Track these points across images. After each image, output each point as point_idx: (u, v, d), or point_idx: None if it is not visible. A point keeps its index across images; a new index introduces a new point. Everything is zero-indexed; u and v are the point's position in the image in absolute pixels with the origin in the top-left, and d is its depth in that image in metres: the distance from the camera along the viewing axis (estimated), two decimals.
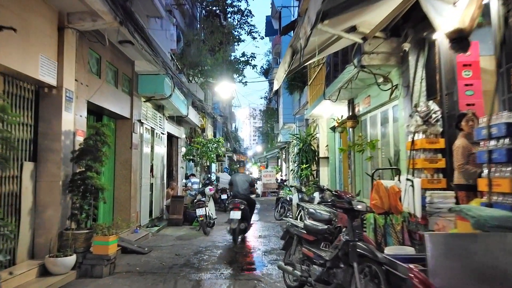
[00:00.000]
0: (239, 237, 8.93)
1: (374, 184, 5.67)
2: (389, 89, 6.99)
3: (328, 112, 11.80)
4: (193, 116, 15.06)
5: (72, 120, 6.35)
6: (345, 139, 12.72)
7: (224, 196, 16.02)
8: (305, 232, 5.02)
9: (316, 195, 11.05)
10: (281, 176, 28.51)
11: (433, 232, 4.84)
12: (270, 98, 33.75)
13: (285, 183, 17.07)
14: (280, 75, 5.73)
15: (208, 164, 23.29)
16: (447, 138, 5.62)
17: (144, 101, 10.34)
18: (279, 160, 34.16)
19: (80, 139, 6.43)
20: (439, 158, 5.59)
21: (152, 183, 11.32)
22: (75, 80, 6.46)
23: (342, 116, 9.90)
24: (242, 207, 8.77)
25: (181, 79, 11.67)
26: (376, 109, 8.47)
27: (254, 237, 9.93)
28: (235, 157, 33.12)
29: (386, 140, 7.96)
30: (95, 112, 8.26)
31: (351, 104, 9.90)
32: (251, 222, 10.40)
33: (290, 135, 19.73)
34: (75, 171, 6.23)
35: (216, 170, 28.74)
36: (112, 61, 8.21)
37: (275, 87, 6.82)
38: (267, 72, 34.30)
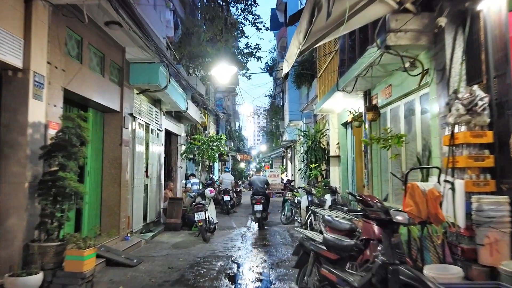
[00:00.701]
0: (262, 222, 11.48)
1: (408, 186, 4.61)
2: (420, 73, 5.92)
3: (340, 106, 10.74)
4: (194, 112, 14.04)
5: (43, 110, 5.34)
6: (359, 136, 11.65)
7: (226, 198, 15.01)
8: (325, 248, 3.97)
9: (328, 197, 10.00)
10: (287, 176, 27.46)
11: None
12: (274, 95, 32.71)
13: (291, 184, 16.00)
14: (292, 51, 4.67)
15: (210, 163, 22.32)
16: (496, 130, 4.56)
17: (138, 93, 9.33)
18: (284, 159, 33.11)
19: (53, 132, 5.41)
20: (486, 155, 4.53)
21: (147, 184, 10.31)
22: (48, 62, 5.45)
23: (359, 108, 8.83)
24: (263, 201, 11.34)
25: (179, 69, 10.65)
26: (398, 100, 7.40)
27: (259, 245, 8.89)
28: (238, 157, 32.10)
29: (411, 135, 6.89)
30: (79, 104, 7.26)
31: (368, 96, 8.84)
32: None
33: (298, 131, 18.70)
34: (46, 171, 5.21)
35: (219, 170, 27.75)
36: (98, 45, 7.20)
37: (285, 70, 5.78)
38: (271, 69, 33.27)
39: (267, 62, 28.21)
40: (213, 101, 19.77)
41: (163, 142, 12.11)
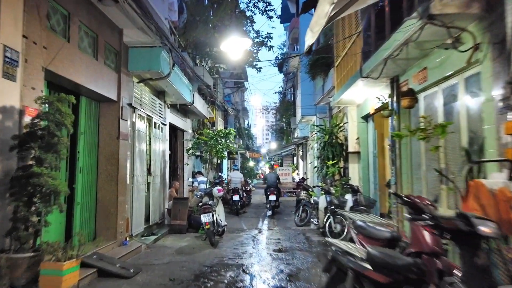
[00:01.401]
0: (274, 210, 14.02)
1: (471, 185, 3.62)
2: (469, 49, 4.92)
3: (361, 96, 9.73)
4: (200, 106, 13.13)
5: (18, 93, 4.45)
6: (381, 129, 10.64)
7: (236, 198, 14.08)
8: (370, 267, 2.98)
9: (348, 197, 9.03)
10: (298, 174, 26.45)
11: None
12: (285, 92, 31.69)
13: (305, 183, 15.01)
14: (320, 14, 3.69)
15: (218, 161, 21.40)
16: None
17: (138, 82, 8.44)
18: (295, 157, 32.10)
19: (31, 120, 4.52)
20: None
21: (149, 183, 9.42)
22: (23, 36, 4.56)
23: (389, 95, 7.81)
24: (276, 192, 14.20)
25: (184, 56, 9.73)
26: (435, 86, 6.38)
27: (272, 250, 7.94)
28: (248, 155, 31.16)
29: (453, 125, 5.88)
30: (69, 91, 6.38)
31: (396, 83, 7.83)
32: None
33: (311, 126, 17.71)
34: (20, 166, 4.31)
35: (228, 168, 26.87)
36: (89, 24, 6.30)
37: (309, 41, 4.81)
38: (281, 65, 32.26)
39: (277, 57, 27.21)
40: (221, 94, 18.83)
41: (167, 137, 11.22)
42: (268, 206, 14.27)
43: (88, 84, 6.25)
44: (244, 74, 24.64)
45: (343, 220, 8.66)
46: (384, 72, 7.39)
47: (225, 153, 11.14)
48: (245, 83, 21.30)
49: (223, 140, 11.17)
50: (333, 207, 8.90)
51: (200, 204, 8.73)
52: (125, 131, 7.56)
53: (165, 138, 10.88)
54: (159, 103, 10.24)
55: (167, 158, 11.14)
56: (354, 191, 8.92)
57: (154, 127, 9.82)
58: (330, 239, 4.39)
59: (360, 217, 4.94)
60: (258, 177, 57.39)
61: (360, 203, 8.74)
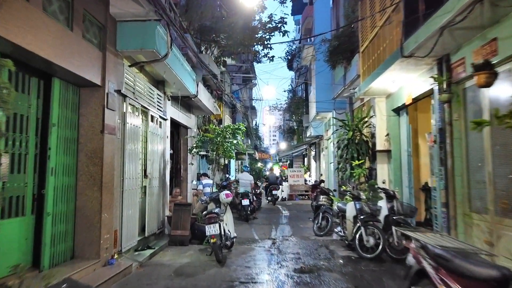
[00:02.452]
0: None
1: None
2: None
3: (395, 84, 8.24)
4: (206, 100, 11.71)
5: None
6: (415, 123, 9.13)
7: (245, 202, 12.62)
8: None
9: (383, 204, 7.53)
10: (310, 176, 24.92)
11: None
12: (294, 90, 30.17)
13: (321, 185, 13.51)
14: None
15: (226, 161, 19.96)
16: None
17: (130, 66, 7.03)
18: (305, 158, 30.58)
19: None
20: None
21: (145, 186, 8.00)
22: None
23: (436, 79, 6.27)
24: (278, 189, 18.93)
25: (186, 38, 8.31)
26: (509, 61, 4.90)
27: (293, 270, 6.46)
28: (257, 155, 29.68)
29: None
30: (40, 72, 5.00)
31: (445, 63, 6.34)
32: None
33: (331, 121, 16.21)
34: None
35: (236, 170, 25.41)
36: None
37: None
38: (291, 62, 30.75)
39: (287, 52, 25.72)
40: (229, 86, 17.35)
41: (168, 134, 9.81)
42: (270, 198, 18.43)
43: (59, 60, 4.84)
44: (253, 71, 23.23)
45: (377, 232, 7.16)
46: (434, 50, 5.92)
47: (232, 149, 9.60)
48: (252, 77, 19.88)
49: (231, 137, 9.67)
50: (364, 216, 7.41)
51: (204, 213, 7.28)
52: (112, 123, 6.15)
53: (165, 134, 9.46)
54: (158, 94, 8.84)
55: (167, 157, 9.73)
56: (390, 196, 7.42)
57: (152, 121, 8.41)
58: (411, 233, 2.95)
59: (433, 239, 3.45)
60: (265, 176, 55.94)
61: (398, 211, 7.24)
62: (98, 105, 5.89)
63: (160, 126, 9.08)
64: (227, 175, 16.82)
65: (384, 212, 7.40)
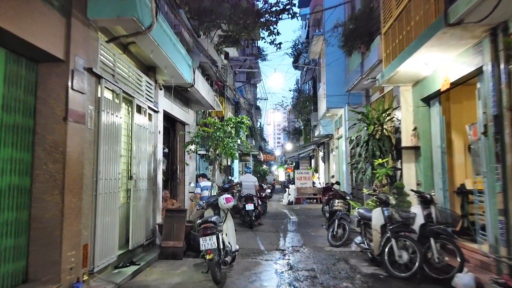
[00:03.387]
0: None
1: None
2: None
3: (428, 66, 6.89)
4: (205, 92, 10.41)
5: None
6: (449, 115, 7.79)
7: (249, 207, 11.30)
8: None
9: (417, 211, 6.17)
10: (319, 178, 23.54)
11: None
12: (300, 89, 28.82)
13: (334, 187, 12.12)
14: None
15: (228, 162, 18.61)
16: None
17: (108, 41, 5.73)
18: (313, 160, 29.20)
19: None
20: None
21: (129, 189, 6.69)
22: None
23: (497, 48, 4.89)
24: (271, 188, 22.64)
25: (180, 14, 7.00)
26: None
27: None
28: (262, 156, 28.32)
29: None
30: None
31: (502, 33, 5.00)
32: None
33: (339, 121, 14.97)
34: None
35: (240, 172, 24.06)
36: None
37: None
38: (297, 60, 29.44)
39: (294, 48, 24.42)
40: (232, 81, 16.01)
41: (160, 129, 8.53)
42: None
43: (2, 22, 3.56)
44: (257, 67, 21.94)
45: (411, 245, 5.81)
46: (491, 13, 4.59)
47: (235, 147, 8.14)
48: (257, 73, 18.54)
49: (233, 133, 8.22)
50: (394, 225, 6.05)
51: (198, 222, 5.93)
52: (80, 109, 4.85)
53: (156, 129, 8.17)
54: (148, 82, 7.55)
55: (159, 156, 8.43)
56: (426, 201, 6.07)
57: (139, 112, 7.12)
58: None
59: None
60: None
61: (437, 219, 5.88)
62: (60, 85, 4.60)
63: (150, 119, 7.79)
64: (230, 177, 15.47)
65: (419, 220, 6.04)
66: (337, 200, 9.23)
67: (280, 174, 53.62)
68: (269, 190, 19.39)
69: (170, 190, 10.39)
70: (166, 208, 7.72)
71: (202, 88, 9.89)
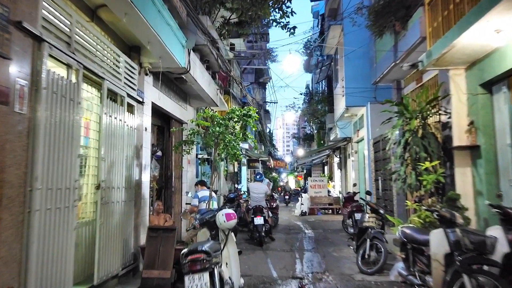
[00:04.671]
0: None
1: None
2: None
3: (499, 36, 5.10)
4: (205, 83, 8.71)
5: None
6: None
7: (258, 221, 9.52)
8: None
9: (499, 234, 4.33)
10: (334, 187, 21.68)
11: None
12: (312, 93, 27.09)
13: (357, 197, 10.28)
14: None
15: (235, 169, 16.84)
16: None
17: None
18: (326, 167, 27.32)
19: None
20: None
21: (96, 202, 4.96)
22: None
23: None
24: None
25: None
26: None
27: None
28: (271, 162, 26.47)
29: None
30: None
31: None
32: None
33: (358, 123, 13.22)
34: None
35: (248, 179, 22.27)
36: None
37: None
38: (308, 62, 27.80)
39: (306, 43, 22.71)
40: (238, 73, 14.26)
41: (148, 125, 6.84)
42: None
43: None
44: (264, 63, 20.27)
45: (493, 284, 3.98)
46: None
47: (238, 147, 6.32)
48: (265, 71, 16.85)
49: (237, 127, 6.41)
50: (465, 255, 4.22)
51: (183, 251, 4.12)
52: (2, 82, 3.16)
53: (141, 125, 6.48)
54: (128, 64, 5.88)
55: (146, 159, 6.73)
56: (510, 220, 4.24)
57: (113, 100, 5.43)
58: None
59: None
60: (280, 190, 52.55)
61: None
62: None
63: (131, 111, 6.08)
64: (237, 185, 13.70)
65: (502, 248, 4.21)
66: (367, 215, 7.39)
67: (290, 181, 51.67)
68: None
69: (164, 200, 8.69)
70: (149, 226, 5.97)
71: (201, 77, 8.19)
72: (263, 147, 25.50)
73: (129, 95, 5.89)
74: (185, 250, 3.98)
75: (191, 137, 6.56)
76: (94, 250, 4.82)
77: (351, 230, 10.49)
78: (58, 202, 3.91)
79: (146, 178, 6.75)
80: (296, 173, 46.16)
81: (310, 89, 30.05)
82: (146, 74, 6.53)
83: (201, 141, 6.51)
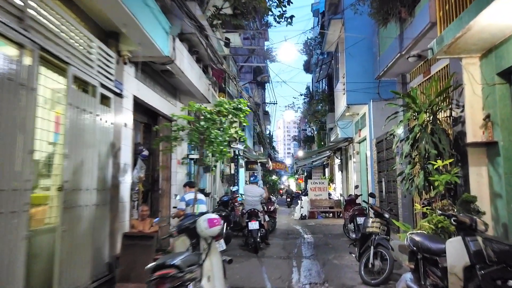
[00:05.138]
0: None
1: None
2: None
3: None
4: (195, 76, 8.07)
5: None
6: None
7: (253, 226, 8.86)
8: None
9: None
10: (335, 189, 20.98)
11: None
12: (309, 93, 26.41)
13: (368, 202, 9.58)
14: None
15: (232, 170, 16.14)
16: None
17: None
18: (326, 169, 26.62)
19: None
20: None
21: (58, 206, 4.30)
22: None
23: None
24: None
25: None
26: None
27: None
28: (270, 165, 25.80)
29: None
30: None
31: None
32: None
33: (360, 122, 12.58)
34: None
35: (246, 182, 21.59)
36: None
37: None
38: (308, 64, 27.17)
39: (307, 39, 22.07)
40: (235, 69, 13.59)
41: (128, 121, 6.19)
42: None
43: None
44: (263, 60, 19.64)
45: None
46: None
47: (225, 142, 5.60)
48: (264, 67, 16.17)
49: (225, 121, 5.70)
50: (490, 268, 3.55)
51: (148, 266, 3.45)
52: None
53: (120, 120, 5.83)
54: (102, 50, 5.24)
55: (126, 158, 6.08)
56: None
57: (84, 90, 4.79)
58: None
59: None
60: (281, 193, 51.78)
61: None
62: None
63: (107, 104, 5.44)
64: (232, 188, 13.05)
65: None
66: (371, 219, 6.71)
67: (291, 184, 50.98)
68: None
69: (151, 204, 8.03)
70: (125, 233, 5.30)
71: (190, 69, 7.54)
72: (261, 148, 24.83)
73: (103, 86, 5.24)
74: (151, 265, 3.31)
75: (175, 133, 5.89)
76: (53, 262, 4.15)
77: (353, 235, 9.83)
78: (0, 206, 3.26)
79: (126, 179, 6.10)
80: (296, 176, 45.48)
81: (311, 90, 29.44)
82: (125, 63, 5.88)
83: (185, 137, 5.83)
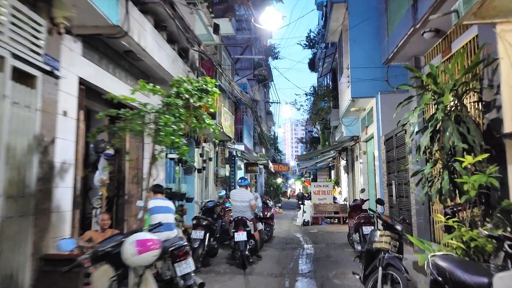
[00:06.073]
0: None
1: None
2: None
3: None
4: (165, 59, 6.78)
5: None
6: None
7: (240, 237, 7.52)
8: None
9: None
10: (341, 193, 19.54)
11: None
12: (317, 92, 25.01)
13: (363, 204, 8.16)
14: None
15: (227, 173, 14.82)
16: None
17: None
18: (332, 171, 25.16)
19: None
20: None
21: None
22: None
23: None
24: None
25: None
26: None
27: None
28: (271, 166, 24.40)
29: None
30: None
31: None
32: None
33: (367, 118, 11.31)
34: None
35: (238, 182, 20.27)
36: None
37: None
38: (313, 61, 25.80)
39: (307, 39, 20.73)
40: (229, 75, 12.31)
41: (69, 109, 4.90)
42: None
43: None
44: (264, 58, 18.31)
45: None
46: None
47: (183, 140, 4.27)
48: (266, 61, 14.77)
49: (180, 103, 4.28)
50: None
51: None
52: None
53: (55, 107, 4.54)
54: (23, 14, 3.97)
55: (66, 157, 4.79)
56: None
57: None
58: None
59: None
60: (289, 196, 50.34)
61: None
62: None
63: (32, 86, 4.15)
64: (224, 191, 11.71)
65: None
66: (379, 232, 5.31)
67: (298, 188, 49.64)
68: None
69: (115, 212, 6.74)
70: (42, 256, 3.99)
71: (156, 48, 6.23)
72: (263, 150, 23.46)
73: (21, 58, 3.95)
74: None
75: (123, 123, 4.59)
76: None
77: (359, 247, 8.45)
78: None
79: (64, 182, 4.80)
80: (303, 179, 44.11)
81: (316, 89, 28.09)
82: (60, 34, 4.59)
83: (126, 126, 4.53)
